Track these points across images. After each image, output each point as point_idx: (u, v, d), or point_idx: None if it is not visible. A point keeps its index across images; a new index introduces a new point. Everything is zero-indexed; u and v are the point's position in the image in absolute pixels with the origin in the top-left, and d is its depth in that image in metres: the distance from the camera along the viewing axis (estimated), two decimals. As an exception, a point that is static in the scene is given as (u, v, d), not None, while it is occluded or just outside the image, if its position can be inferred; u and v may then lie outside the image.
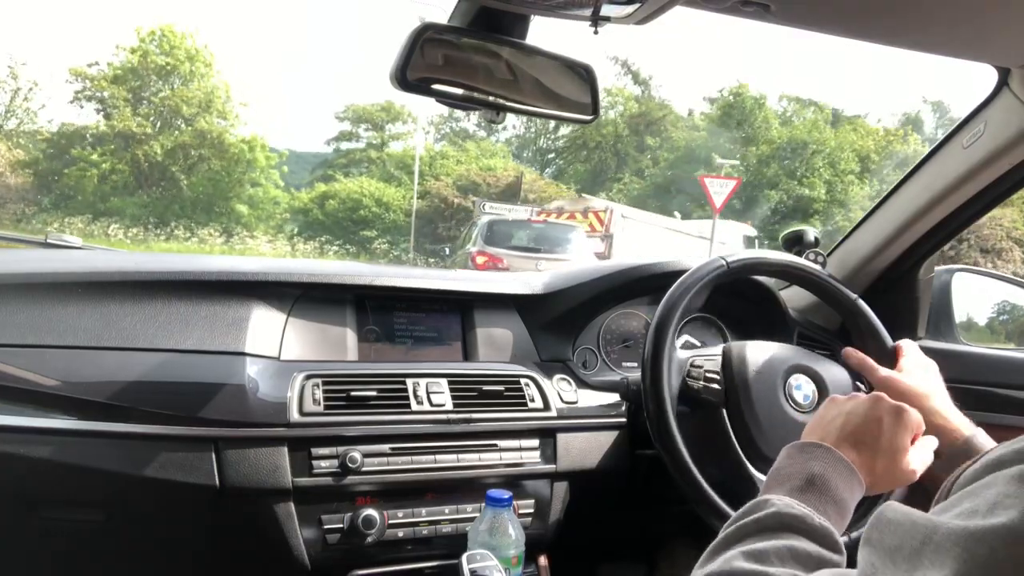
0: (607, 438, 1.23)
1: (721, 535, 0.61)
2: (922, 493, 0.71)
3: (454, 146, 32.59)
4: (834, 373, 1.11)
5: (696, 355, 1.17)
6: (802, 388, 1.09)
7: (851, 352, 1.07)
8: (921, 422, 0.76)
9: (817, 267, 1.21)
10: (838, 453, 0.68)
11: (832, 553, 0.58)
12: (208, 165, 24.91)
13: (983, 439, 0.89)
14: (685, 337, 1.43)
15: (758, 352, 1.11)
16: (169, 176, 24.58)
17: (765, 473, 0.80)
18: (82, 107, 25.10)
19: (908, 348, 1.07)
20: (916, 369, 1.01)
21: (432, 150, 31.46)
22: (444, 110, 32.43)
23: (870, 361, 1.04)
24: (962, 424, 0.92)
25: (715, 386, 1.09)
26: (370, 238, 23.94)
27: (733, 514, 0.63)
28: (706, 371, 1.12)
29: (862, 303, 1.16)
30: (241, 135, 25.26)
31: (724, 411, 1.09)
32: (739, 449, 1.07)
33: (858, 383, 1.12)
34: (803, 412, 1.07)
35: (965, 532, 0.37)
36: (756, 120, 27.49)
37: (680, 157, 27.39)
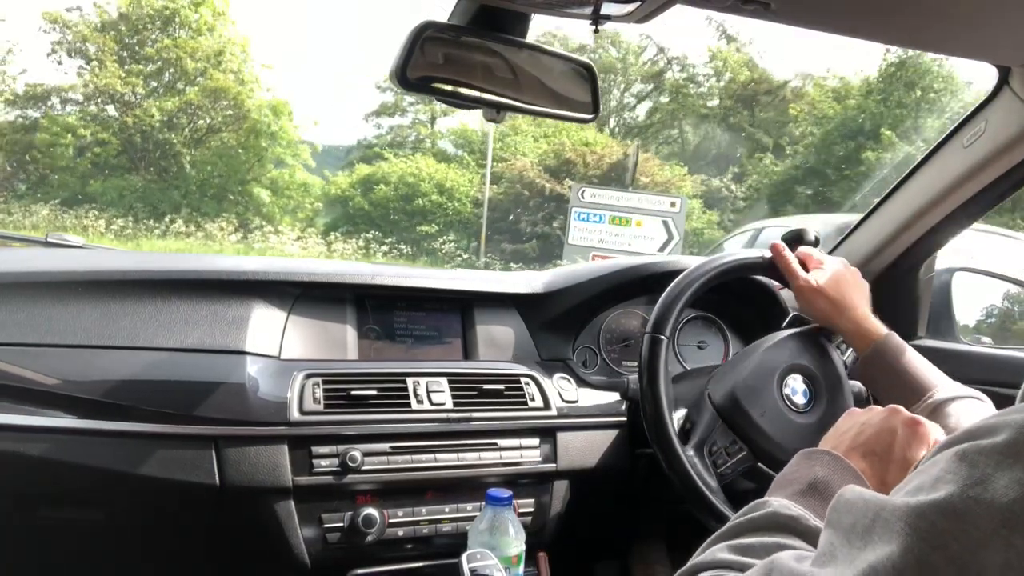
0: (607, 437, 1.23)
1: (717, 532, 0.62)
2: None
3: (528, 119, 25.06)
4: (827, 368, 1.09)
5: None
6: (797, 390, 1.08)
7: (778, 251, 1.13)
8: (936, 434, 0.74)
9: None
10: (846, 461, 0.68)
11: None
12: (220, 138, 18.87)
13: (896, 341, 0.98)
14: (685, 337, 1.43)
15: (743, 371, 1.08)
16: (169, 151, 18.72)
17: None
18: (60, 63, 19.29)
19: (824, 258, 1.12)
20: (837, 274, 1.08)
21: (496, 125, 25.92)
22: None
23: (793, 265, 1.10)
24: (877, 325, 1.02)
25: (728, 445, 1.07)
26: (430, 235, 18.10)
27: (729, 515, 0.63)
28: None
29: None
30: (263, 99, 19.25)
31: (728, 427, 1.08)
32: (752, 453, 1.06)
33: (855, 383, 1.11)
34: (802, 412, 1.07)
35: (908, 508, 0.39)
36: (934, 80, 18.27)
37: (832, 132, 18.77)
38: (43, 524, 1.00)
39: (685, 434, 1.09)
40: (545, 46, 0.90)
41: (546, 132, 21.31)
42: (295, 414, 1.02)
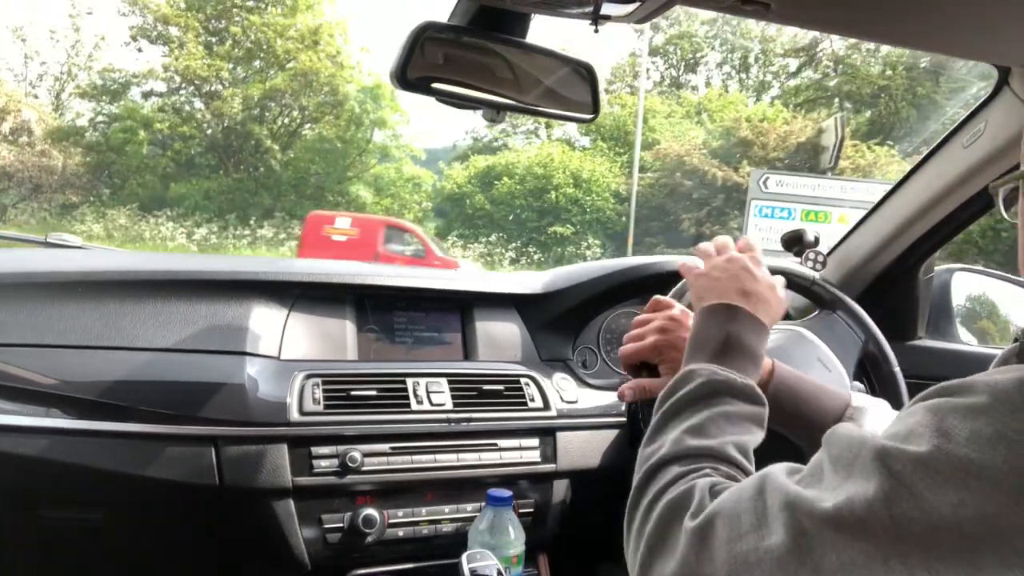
0: (607, 437, 1.23)
1: (658, 413, 0.68)
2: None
3: (663, 97, 20.38)
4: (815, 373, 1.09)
5: None
6: None
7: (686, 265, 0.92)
8: (757, 252, 0.84)
9: (808, 271, 1.21)
10: (744, 310, 0.74)
11: (757, 406, 0.68)
12: (317, 129, 16.62)
13: (782, 373, 0.86)
14: None
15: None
16: (258, 146, 16.35)
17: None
18: (140, 51, 17.48)
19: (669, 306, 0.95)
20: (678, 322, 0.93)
21: (626, 103, 19.18)
22: (628, 53, 22.21)
23: (631, 350, 0.92)
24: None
25: None
26: (565, 237, 15.35)
27: None
28: None
29: (854, 306, 1.16)
30: (363, 83, 16.66)
31: None
32: None
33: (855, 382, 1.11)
34: None
35: (885, 452, 0.46)
36: None
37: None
38: (43, 524, 1.00)
39: None
40: (544, 46, 0.90)
41: (673, 115, 17.98)
42: (295, 414, 1.02)
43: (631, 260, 1.42)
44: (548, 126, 19.85)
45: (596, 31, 0.80)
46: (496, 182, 16.36)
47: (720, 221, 13.60)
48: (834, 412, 0.84)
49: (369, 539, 1.04)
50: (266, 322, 1.12)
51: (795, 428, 0.86)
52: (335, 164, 16.57)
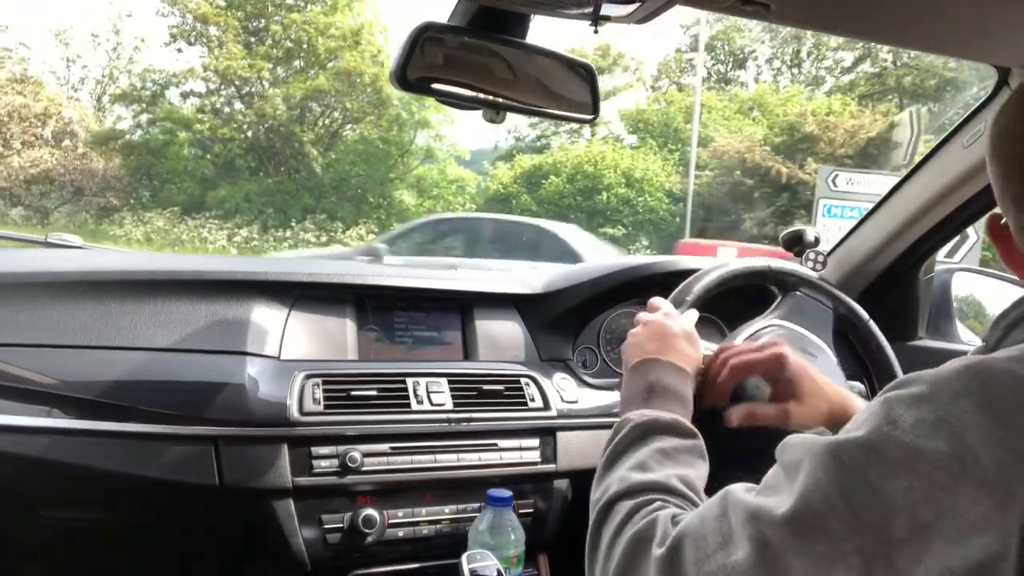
0: (607, 438, 1.23)
1: (602, 460, 0.73)
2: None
3: (713, 93, 18.71)
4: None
5: None
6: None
7: (730, 417, 0.86)
8: (664, 306, 0.92)
9: (810, 272, 1.21)
10: (663, 359, 0.81)
11: (689, 439, 0.72)
12: (358, 130, 15.91)
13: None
14: None
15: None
16: (300, 147, 15.76)
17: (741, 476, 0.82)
18: (180, 51, 16.72)
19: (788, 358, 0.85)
20: (802, 378, 0.85)
21: (675, 99, 18.14)
22: (673, 49, 20.90)
23: (759, 410, 0.85)
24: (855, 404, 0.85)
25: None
26: (616, 239, 13.65)
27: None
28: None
29: (854, 306, 1.16)
30: None
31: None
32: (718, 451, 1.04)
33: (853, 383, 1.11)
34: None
35: (835, 443, 0.48)
36: None
37: None
38: (44, 524, 1.00)
39: None
40: (544, 47, 0.90)
41: (727, 113, 16.39)
42: (295, 414, 1.02)
43: (631, 260, 1.42)
44: (593, 124, 18.34)
45: (596, 32, 0.80)
46: (543, 182, 15.36)
47: (785, 221, 12.32)
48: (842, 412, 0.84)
49: (369, 539, 1.04)
50: (266, 322, 1.12)
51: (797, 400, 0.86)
52: (377, 166, 15.78)
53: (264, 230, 14.10)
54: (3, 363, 0.97)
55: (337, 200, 15.53)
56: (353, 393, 1.07)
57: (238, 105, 16.51)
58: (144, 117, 16.74)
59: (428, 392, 1.12)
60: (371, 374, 1.11)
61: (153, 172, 16.22)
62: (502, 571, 0.88)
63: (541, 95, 0.92)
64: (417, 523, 1.08)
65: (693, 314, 0.96)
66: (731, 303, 1.41)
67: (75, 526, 1.01)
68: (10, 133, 14.75)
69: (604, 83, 18.94)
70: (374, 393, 1.08)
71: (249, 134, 16.03)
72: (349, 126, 16.41)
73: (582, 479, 1.21)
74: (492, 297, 1.31)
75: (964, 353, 1.45)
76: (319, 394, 1.05)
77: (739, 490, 0.54)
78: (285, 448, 1.01)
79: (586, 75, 0.93)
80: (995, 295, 1.63)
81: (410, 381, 1.12)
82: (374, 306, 1.24)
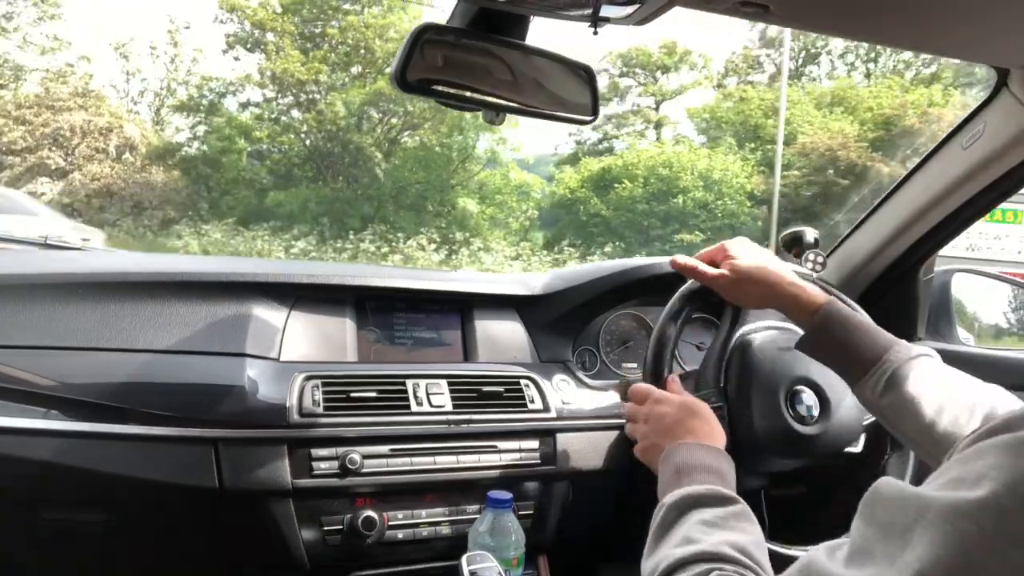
0: (607, 438, 1.23)
1: (645, 550, 0.70)
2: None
3: (790, 89, 16.64)
4: (833, 382, 1.09)
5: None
6: (805, 400, 1.08)
7: (677, 262, 1.05)
8: (677, 388, 0.95)
9: (809, 273, 1.20)
10: (686, 442, 0.80)
11: (730, 505, 0.69)
12: (418, 136, 15.21)
13: (839, 306, 0.91)
14: (685, 339, 1.43)
15: (766, 355, 1.10)
16: (359, 154, 15.11)
17: (755, 485, 0.84)
18: (237, 59, 16.38)
19: (728, 244, 1.02)
20: (751, 253, 1.00)
21: (751, 95, 16.67)
22: (741, 46, 20.09)
23: (700, 266, 1.02)
24: (814, 292, 0.94)
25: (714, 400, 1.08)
26: (694, 245, 12.77)
27: None
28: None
29: (854, 305, 1.16)
30: None
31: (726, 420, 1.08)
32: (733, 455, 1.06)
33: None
34: (805, 424, 1.07)
35: (954, 509, 0.38)
36: None
37: None
38: (43, 526, 1.00)
39: None
40: (544, 48, 0.90)
41: (843, 95, 14.84)
42: (295, 416, 1.02)
43: (631, 261, 1.42)
44: (659, 126, 18.37)
45: (595, 33, 0.80)
46: (615, 186, 14.31)
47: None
48: (879, 349, 0.87)
49: (369, 541, 1.04)
50: (266, 323, 1.12)
51: (837, 358, 0.90)
52: (438, 172, 14.88)
53: (322, 241, 13.28)
54: (2, 365, 0.97)
55: (396, 208, 14.70)
56: (353, 395, 1.07)
57: (296, 113, 16.17)
58: (202, 127, 16.54)
59: (428, 394, 1.12)
60: (371, 376, 1.11)
61: (211, 184, 15.82)
62: (502, 573, 0.88)
63: (541, 96, 0.92)
64: (417, 525, 1.08)
65: (675, 380, 0.98)
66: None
67: (75, 528, 1.01)
68: (73, 148, 14.82)
69: (670, 81, 18.63)
70: (374, 395, 1.08)
71: (307, 142, 15.58)
72: (407, 132, 15.70)
73: (582, 480, 1.21)
74: (492, 298, 1.31)
75: (964, 354, 1.45)
76: (319, 396, 1.05)
77: (821, 558, 0.47)
78: (285, 450, 1.00)
79: (586, 76, 0.93)
80: (982, 296, 1.63)
81: (410, 383, 1.12)
82: (374, 307, 1.24)
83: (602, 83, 17.35)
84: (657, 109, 18.66)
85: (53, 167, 14.50)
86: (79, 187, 14.44)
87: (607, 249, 13.31)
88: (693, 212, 13.92)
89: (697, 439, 0.81)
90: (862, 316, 0.93)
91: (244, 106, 16.69)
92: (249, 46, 16.39)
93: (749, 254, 0.99)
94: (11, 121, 14.45)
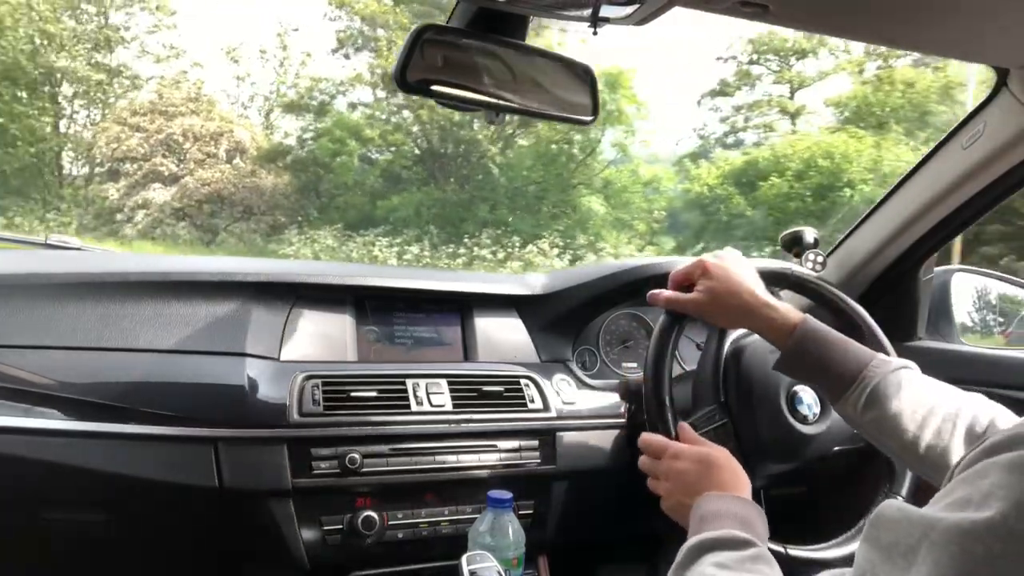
0: (607, 438, 1.23)
1: None
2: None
3: (933, 72, 14.37)
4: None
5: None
6: (805, 400, 1.08)
7: (655, 295, 1.02)
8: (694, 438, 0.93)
9: (809, 272, 1.21)
10: (709, 494, 0.80)
11: (746, 548, 0.68)
12: (535, 131, 13.81)
13: (814, 323, 0.91)
14: (685, 338, 1.43)
15: (760, 360, 1.10)
16: (469, 153, 14.10)
17: (755, 485, 0.84)
18: (347, 58, 15.79)
19: (703, 266, 0.98)
20: (723, 273, 0.96)
21: (911, 79, 13.91)
22: None
23: (673, 296, 0.99)
24: (788, 311, 0.92)
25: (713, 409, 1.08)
26: None
27: None
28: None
29: (855, 305, 1.16)
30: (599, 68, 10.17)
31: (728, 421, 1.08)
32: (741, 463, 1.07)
33: None
34: (807, 424, 1.07)
35: (959, 529, 0.38)
36: None
37: None
38: (43, 526, 1.00)
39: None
40: (543, 48, 0.90)
41: None
42: (294, 416, 1.02)
43: (630, 261, 1.42)
44: (795, 115, 16.30)
45: (595, 33, 0.80)
46: (760, 183, 12.52)
47: None
48: (857, 365, 0.86)
49: (368, 540, 1.04)
50: (266, 323, 1.12)
51: (816, 377, 0.90)
52: (558, 170, 13.34)
53: (435, 246, 12.42)
54: (3, 365, 0.97)
55: (512, 210, 13.34)
56: (353, 394, 1.07)
57: (407, 112, 15.30)
58: (312, 129, 16.08)
59: (428, 393, 1.12)
60: (371, 375, 1.11)
61: (321, 188, 15.31)
62: (502, 572, 0.88)
63: (541, 96, 0.92)
64: (416, 524, 1.08)
65: (687, 428, 0.96)
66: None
67: (75, 527, 1.01)
68: (185, 153, 14.89)
69: (807, 67, 15.89)
70: (374, 394, 1.08)
71: (419, 141, 14.59)
72: (522, 130, 14.11)
73: (582, 480, 1.21)
74: (492, 298, 1.31)
75: (964, 353, 1.45)
76: (319, 395, 1.05)
77: None
78: (285, 449, 1.01)
79: (585, 76, 0.93)
80: (968, 296, 1.63)
81: (410, 382, 1.12)
82: (374, 307, 1.24)
83: (729, 70, 16.27)
84: (792, 97, 16.46)
85: (166, 173, 14.59)
86: (191, 192, 14.40)
87: (754, 255, 11.42)
88: (857, 208, 11.48)
89: (723, 491, 0.81)
90: (834, 334, 0.90)
91: (354, 107, 16.12)
92: (359, 44, 15.90)
93: (724, 273, 0.96)
94: (128, 128, 14.64)
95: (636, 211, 13.78)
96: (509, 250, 12.04)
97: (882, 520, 0.44)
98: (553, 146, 13.73)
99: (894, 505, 0.44)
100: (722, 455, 0.87)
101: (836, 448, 1.11)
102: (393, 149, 14.79)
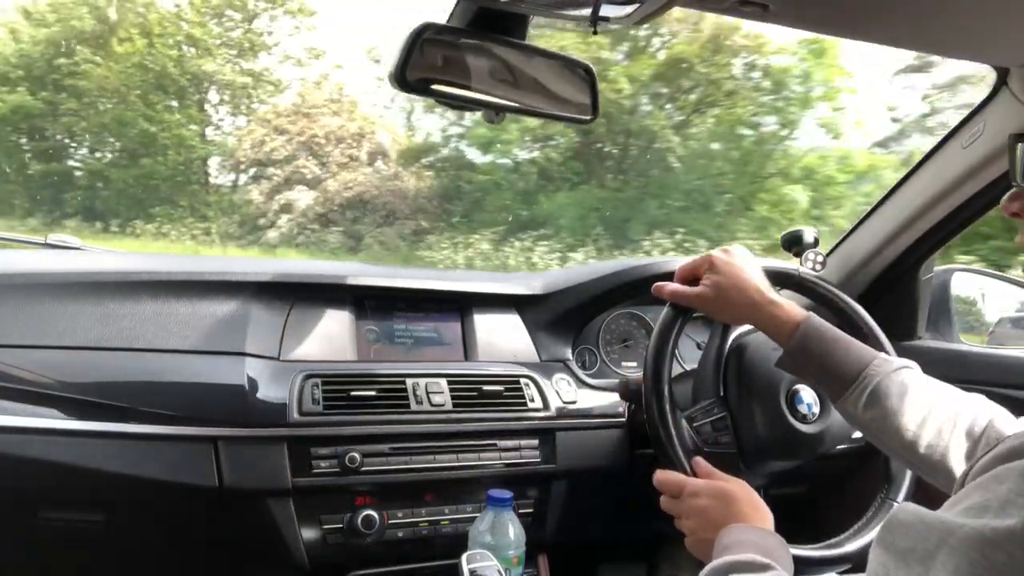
0: (606, 438, 1.23)
1: None
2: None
3: None
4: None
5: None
6: (804, 399, 1.08)
7: (660, 287, 1.04)
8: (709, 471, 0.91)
9: (810, 272, 1.21)
10: (732, 526, 0.79)
11: (763, 571, 0.67)
12: (715, 113, 11.40)
13: (817, 322, 0.91)
14: (685, 338, 1.43)
15: (762, 357, 1.10)
16: (644, 143, 11.87)
17: (756, 484, 0.84)
18: None
19: (710, 261, 0.99)
20: (729, 269, 0.97)
21: None
22: None
23: (678, 290, 1.01)
24: (792, 308, 0.93)
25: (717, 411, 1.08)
26: None
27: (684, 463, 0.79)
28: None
29: (855, 305, 1.16)
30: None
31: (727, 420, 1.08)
32: (739, 460, 1.07)
33: None
34: (806, 423, 1.07)
35: (981, 537, 0.37)
36: None
37: None
38: (43, 525, 1.00)
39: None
40: (543, 47, 0.90)
41: None
42: (294, 415, 1.02)
43: (630, 261, 1.42)
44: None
45: (595, 33, 0.80)
46: None
47: None
48: (859, 364, 0.86)
49: (368, 540, 1.04)
50: (265, 323, 1.12)
51: (817, 375, 0.90)
52: (748, 157, 10.93)
53: (601, 250, 10.73)
54: (3, 364, 0.97)
55: (687, 205, 11.15)
56: (352, 394, 1.07)
57: None
58: (456, 127, 14.33)
59: (427, 392, 1.12)
60: (370, 374, 1.11)
61: (463, 191, 13.84)
62: (502, 571, 0.89)
63: (541, 96, 0.92)
64: (416, 523, 1.09)
65: (701, 463, 0.95)
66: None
67: (75, 527, 1.01)
68: (327, 155, 14.64)
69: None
70: (373, 393, 1.08)
71: (575, 134, 12.18)
72: (700, 111, 11.53)
73: (582, 479, 1.21)
74: (492, 298, 1.31)
75: (963, 353, 1.45)
76: (318, 394, 1.05)
77: None
78: (284, 448, 1.01)
79: (586, 76, 0.93)
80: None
81: (409, 382, 1.12)
82: (373, 306, 1.24)
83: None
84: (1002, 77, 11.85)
85: (309, 176, 14.30)
86: (332, 195, 13.98)
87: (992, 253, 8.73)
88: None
89: (731, 522, 0.80)
90: (837, 332, 0.91)
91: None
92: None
93: (731, 269, 0.97)
94: (272, 131, 14.44)
95: (845, 202, 10.79)
96: (691, 253, 9.53)
97: (897, 524, 0.44)
98: (748, 129, 11.02)
99: (909, 509, 0.44)
100: (740, 488, 0.86)
101: (836, 448, 1.12)
102: (545, 144, 12.75)
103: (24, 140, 14.20)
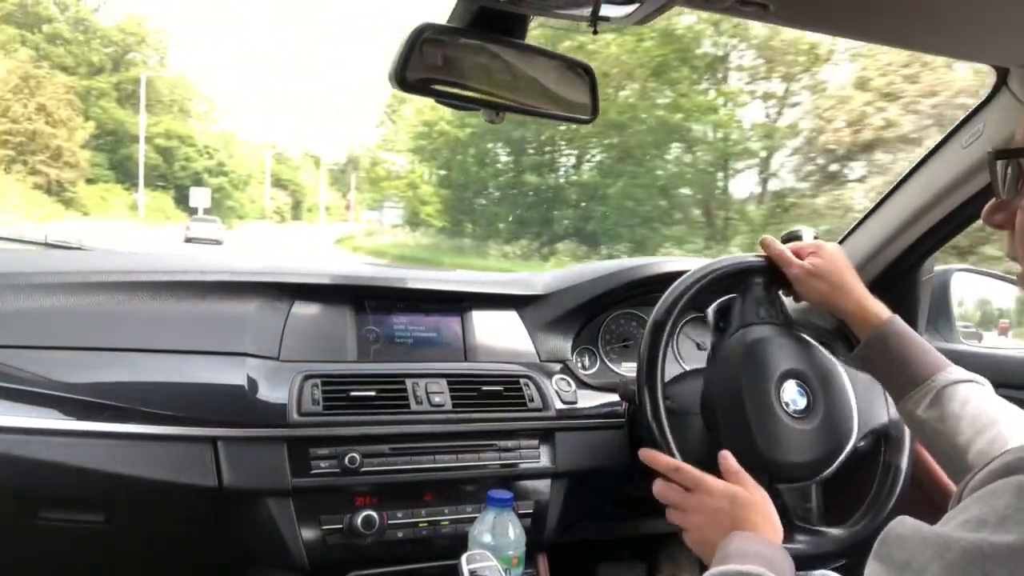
0: (606, 438, 1.23)
1: None
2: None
3: None
4: (824, 373, 1.09)
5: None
6: (790, 395, 1.07)
7: (768, 243, 1.11)
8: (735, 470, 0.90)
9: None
10: (738, 533, 0.79)
11: None
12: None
13: (900, 324, 0.96)
14: (684, 337, 1.43)
15: (762, 355, 1.09)
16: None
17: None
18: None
19: (818, 247, 1.08)
20: (832, 257, 1.06)
21: None
22: None
23: (787, 254, 1.07)
24: (880, 306, 1.00)
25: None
26: None
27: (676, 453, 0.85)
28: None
29: None
30: None
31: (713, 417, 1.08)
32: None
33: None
34: (797, 419, 1.06)
35: (980, 552, 0.37)
36: None
37: None
38: (43, 526, 1.00)
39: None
40: (543, 47, 0.90)
41: None
42: (294, 415, 1.02)
43: (630, 261, 1.42)
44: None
45: (595, 33, 0.80)
46: None
47: None
48: (932, 368, 0.90)
49: (368, 540, 1.04)
50: (265, 323, 1.12)
51: (889, 371, 0.94)
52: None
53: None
54: (3, 365, 0.97)
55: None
56: (352, 394, 1.07)
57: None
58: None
59: (427, 393, 1.12)
60: (370, 375, 1.11)
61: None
62: (502, 572, 0.88)
63: (540, 96, 0.92)
64: (416, 524, 1.08)
65: (727, 456, 0.94)
66: (731, 302, 1.41)
67: (74, 528, 1.01)
68: None
69: None
70: (373, 394, 1.08)
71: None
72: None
73: (581, 479, 1.21)
74: (492, 298, 1.31)
75: (963, 353, 1.45)
76: (318, 395, 1.05)
77: None
78: (284, 449, 1.01)
79: (585, 75, 0.93)
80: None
81: (409, 382, 1.12)
82: (373, 306, 1.24)
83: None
84: None
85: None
86: None
87: None
88: None
89: (737, 527, 0.80)
90: (916, 337, 0.95)
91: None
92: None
93: (836, 259, 1.04)
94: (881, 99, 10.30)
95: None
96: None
97: (893, 538, 0.44)
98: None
99: (906, 522, 0.44)
100: (758, 496, 0.85)
101: (829, 447, 1.11)
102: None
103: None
